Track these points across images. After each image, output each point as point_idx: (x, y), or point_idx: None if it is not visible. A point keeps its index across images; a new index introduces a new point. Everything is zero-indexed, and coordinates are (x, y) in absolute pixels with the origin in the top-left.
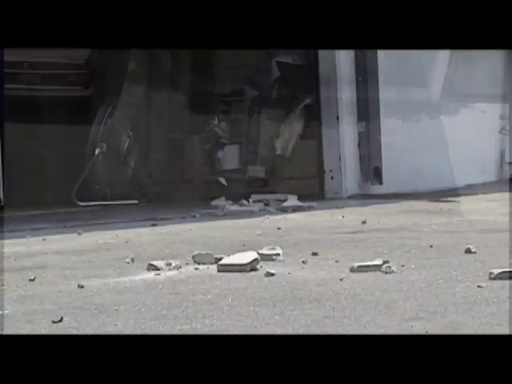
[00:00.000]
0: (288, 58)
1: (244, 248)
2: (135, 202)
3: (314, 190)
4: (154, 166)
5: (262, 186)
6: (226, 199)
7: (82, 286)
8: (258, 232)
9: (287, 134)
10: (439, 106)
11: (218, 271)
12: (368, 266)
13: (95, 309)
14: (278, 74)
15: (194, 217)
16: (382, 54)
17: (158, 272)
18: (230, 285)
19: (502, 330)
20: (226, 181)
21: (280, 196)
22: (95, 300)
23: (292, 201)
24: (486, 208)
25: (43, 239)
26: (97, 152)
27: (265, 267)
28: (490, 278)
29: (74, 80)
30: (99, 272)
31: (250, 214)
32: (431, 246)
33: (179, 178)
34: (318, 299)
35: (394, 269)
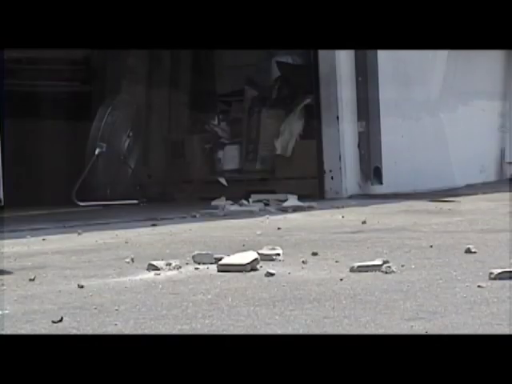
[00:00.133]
0: (288, 57)
1: (244, 248)
2: (135, 201)
3: (314, 189)
4: (154, 165)
5: (262, 185)
6: (226, 199)
7: (82, 286)
8: (258, 232)
9: (287, 134)
10: (439, 105)
11: (218, 271)
12: (368, 266)
13: (95, 309)
14: (277, 74)
15: (194, 217)
16: (382, 54)
17: (158, 272)
18: (230, 285)
19: (502, 329)
20: (226, 181)
21: (280, 196)
22: (95, 300)
23: (292, 201)
24: (486, 208)
25: (43, 239)
26: (97, 152)
27: (265, 267)
28: (490, 278)
29: (72, 75)
30: (99, 272)
31: (250, 214)
32: (431, 246)
33: (179, 178)
34: (317, 299)
35: (393, 269)
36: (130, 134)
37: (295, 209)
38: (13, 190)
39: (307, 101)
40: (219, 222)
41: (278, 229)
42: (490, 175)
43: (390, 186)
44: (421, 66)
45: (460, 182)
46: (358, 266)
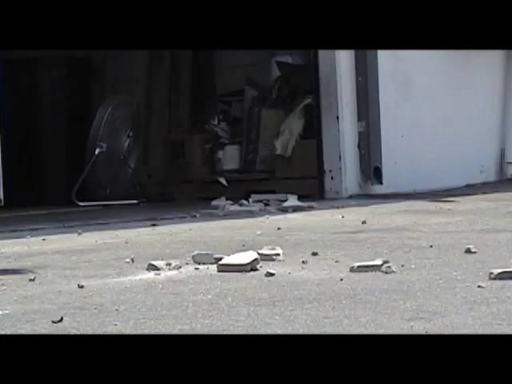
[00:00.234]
0: (288, 57)
1: (244, 248)
2: (135, 201)
3: (314, 190)
4: (154, 166)
5: (262, 185)
6: (226, 199)
7: (82, 286)
8: (258, 232)
9: (287, 134)
10: (439, 105)
11: (218, 271)
12: (368, 266)
13: (95, 309)
14: (277, 74)
15: (194, 217)
16: (382, 54)
17: (158, 272)
18: (230, 285)
19: (502, 329)
20: (226, 181)
21: (280, 196)
22: (95, 300)
23: (292, 201)
24: (485, 208)
25: (43, 239)
26: (97, 152)
27: (265, 267)
28: (490, 278)
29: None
30: (99, 272)
31: (250, 214)
32: (431, 246)
33: (179, 178)
34: (317, 299)
35: (394, 269)
36: (130, 133)
37: (295, 209)
38: (13, 190)
39: (307, 101)
40: (219, 222)
41: (278, 229)
42: (490, 175)
43: (390, 186)
44: (421, 66)
45: (460, 182)
46: (358, 266)
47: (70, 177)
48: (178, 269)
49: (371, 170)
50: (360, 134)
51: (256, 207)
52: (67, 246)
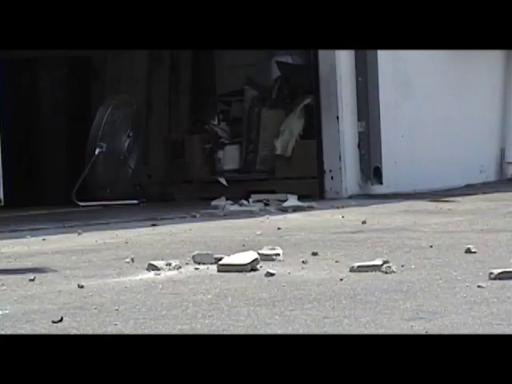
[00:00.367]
0: (288, 57)
1: (244, 248)
2: (135, 201)
3: (314, 189)
4: (154, 166)
5: (262, 185)
6: (226, 199)
7: (82, 286)
8: (258, 232)
9: (287, 134)
10: (439, 105)
11: (218, 271)
12: (368, 266)
13: (95, 309)
14: (277, 74)
15: (194, 217)
16: (382, 54)
17: (158, 272)
18: (230, 285)
19: (502, 329)
20: (226, 181)
21: (280, 196)
22: (95, 300)
23: (292, 201)
24: (485, 208)
25: (43, 239)
26: (97, 152)
27: (265, 267)
28: (490, 278)
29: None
30: (99, 272)
31: (250, 214)
32: (431, 246)
33: (179, 178)
34: (317, 299)
35: (394, 269)
36: (130, 133)
37: (295, 209)
38: (13, 190)
39: (307, 101)
40: (219, 222)
41: (278, 229)
42: (490, 175)
43: (390, 186)
44: (421, 66)
45: (460, 182)
46: (358, 266)
47: (69, 177)
48: (177, 269)
49: (371, 170)
50: (360, 134)
51: (256, 207)
52: (67, 246)
